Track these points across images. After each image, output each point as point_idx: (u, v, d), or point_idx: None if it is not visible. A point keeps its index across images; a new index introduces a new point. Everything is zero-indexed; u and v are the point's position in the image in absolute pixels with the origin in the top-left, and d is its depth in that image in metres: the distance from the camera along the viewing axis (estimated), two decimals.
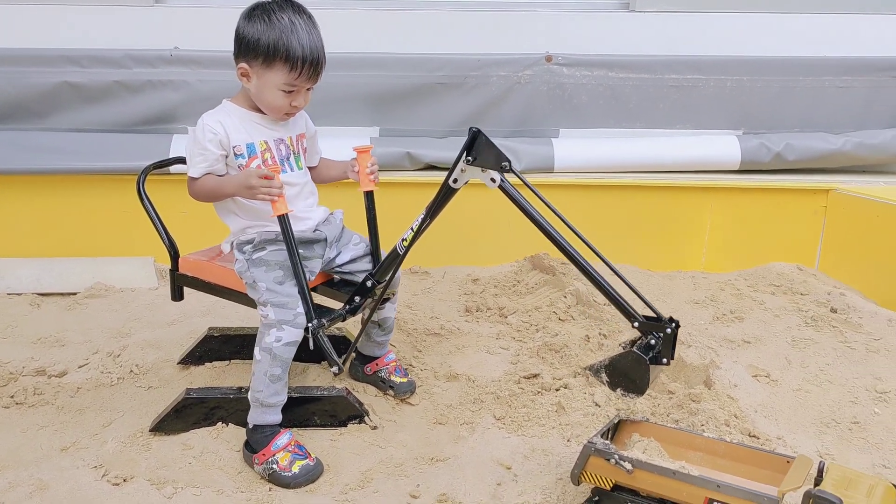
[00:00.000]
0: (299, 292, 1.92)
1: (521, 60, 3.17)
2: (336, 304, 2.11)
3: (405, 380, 2.26)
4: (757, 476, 1.64)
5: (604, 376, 1.98)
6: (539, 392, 2.24)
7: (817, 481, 1.52)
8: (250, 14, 1.92)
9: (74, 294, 2.88)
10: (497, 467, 1.94)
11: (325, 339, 1.92)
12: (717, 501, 1.54)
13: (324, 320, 1.94)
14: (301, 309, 1.91)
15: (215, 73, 2.99)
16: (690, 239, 3.24)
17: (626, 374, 1.90)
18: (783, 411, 2.20)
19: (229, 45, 1.97)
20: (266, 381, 1.90)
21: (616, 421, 1.80)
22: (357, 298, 2.06)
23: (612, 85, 3.23)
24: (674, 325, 1.83)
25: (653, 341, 1.84)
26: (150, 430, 2.05)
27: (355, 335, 2.47)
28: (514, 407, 2.19)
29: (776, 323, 2.73)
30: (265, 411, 1.93)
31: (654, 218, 3.21)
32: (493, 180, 1.87)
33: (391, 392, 2.24)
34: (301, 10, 1.93)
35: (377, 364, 2.28)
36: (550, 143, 3.20)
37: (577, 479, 1.70)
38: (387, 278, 2.04)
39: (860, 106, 3.32)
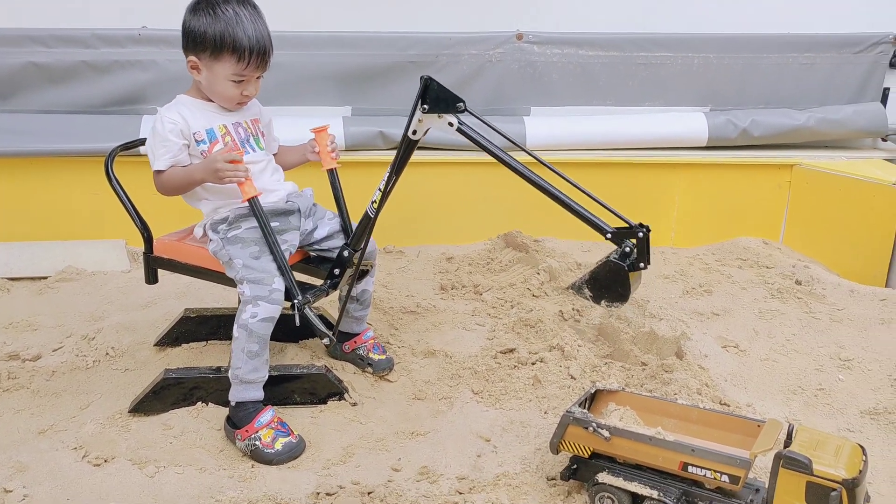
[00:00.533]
0: (279, 269, 1.93)
1: (492, 39, 3.18)
2: (316, 282, 2.13)
3: (383, 357, 2.28)
4: (729, 440, 1.69)
5: (586, 291, 2.01)
6: (515, 366, 2.28)
7: (787, 443, 1.58)
8: (195, 7, 1.95)
9: (45, 278, 2.85)
10: (476, 440, 1.98)
11: (312, 313, 1.94)
12: (692, 465, 1.59)
13: (308, 296, 1.97)
14: (277, 285, 1.92)
15: None
16: (660, 215, 3.30)
17: (608, 283, 1.96)
18: (752, 379, 2.26)
19: None
20: (244, 358, 1.92)
21: (593, 391, 1.84)
22: (337, 271, 2.08)
23: (582, 63, 3.25)
24: (645, 229, 1.88)
25: (627, 248, 1.89)
26: (129, 412, 2.05)
27: (332, 313, 2.50)
28: (491, 381, 2.22)
29: (743, 295, 2.80)
30: (246, 388, 1.94)
31: (624, 194, 3.24)
32: (450, 124, 1.90)
33: (370, 369, 2.26)
34: (245, 1, 1.96)
35: (355, 341, 2.29)
36: (522, 121, 3.22)
37: (556, 447, 1.74)
38: (362, 245, 2.06)
39: (823, 82, 3.39)
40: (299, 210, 2.09)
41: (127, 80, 3.02)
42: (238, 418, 1.93)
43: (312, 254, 2.20)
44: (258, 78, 2.02)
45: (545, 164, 2.06)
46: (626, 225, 1.92)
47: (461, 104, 1.87)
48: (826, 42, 3.34)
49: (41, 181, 2.98)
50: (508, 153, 2.00)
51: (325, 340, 2.01)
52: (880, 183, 3.01)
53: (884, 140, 3.47)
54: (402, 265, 3.04)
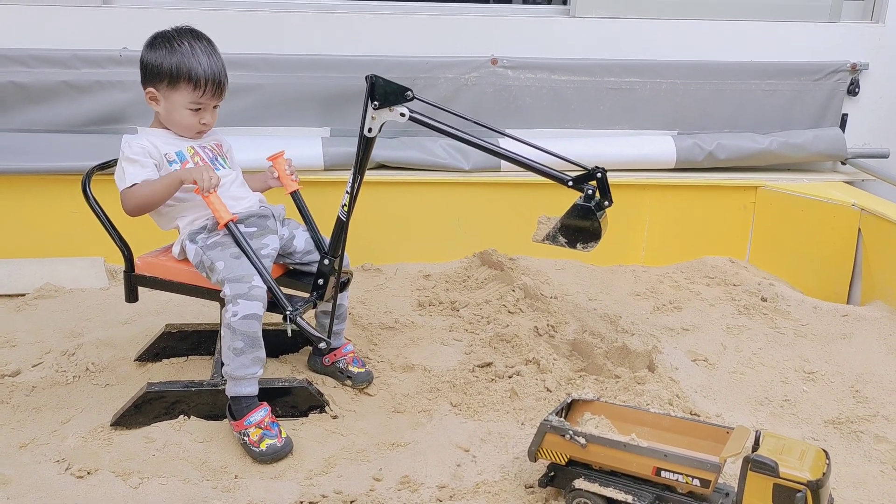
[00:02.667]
0: (261, 276, 1.99)
1: (467, 63, 3.27)
2: (299, 296, 2.17)
3: (363, 370, 2.32)
4: (700, 446, 1.76)
5: (561, 239, 2.03)
6: (493, 380, 2.34)
7: (754, 448, 1.65)
8: (152, 43, 2.09)
9: (23, 295, 2.84)
10: (456, 450, 2.03)
11: (304, 320, 2.00)
12: (665, 470, 1.66)
13: (298, 306, 2.03)
14: (256, 282, 1.98)
15: None
16: (630, 234, 3.39)
17: (579, 226, 1.99)
18: (720, 391, 2.34)
19: None
20: (231, 355, 1.97)
21: (569, 401, 1.91)
22: (321, 282, 2.13)
23: (554, 87, 3.35)
24: (602, 170, 1.95)
25: (590, 191, 1.95)
26: (111, 425, 2.06)
27: (315, 324, 2.54)
28: (469, 394, 2.27)
29: (712, 311, 2.89)
30: (237, 383, 1.99)
31: None
32: (402, 115, 1.95)
33: (349, 382, 2.30)
34: (200, 36, 2.11)
35: (335, 355, 2.33)
36: (497, 143, 3.29)
37: (533, 455, 1.80)
38: (341, 251, 2.12)
39: (784, 108, 3.51)
40: (273, 215, 2.18)
41: (107, 100, 3.04)
42: (235, 411, 2.00)
43: (293, 267, 2.25)
44: (215, 107, 2.13)
45: (505, 133, 2.18)
46: (584, 171, 1.99)
47: (409, 93, 1.93)
48: (787, 70, 3.48)
49: (20, 199, 2.98)
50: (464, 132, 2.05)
51: (322, 344, 2.07)
52: (840, 204, 3.13)
53: (843, 164, 3.60)
54: (380, 282, 3.09)
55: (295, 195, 2.29)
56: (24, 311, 2.75)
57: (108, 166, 2.25)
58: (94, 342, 2.49)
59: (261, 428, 1.95)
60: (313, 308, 2.13)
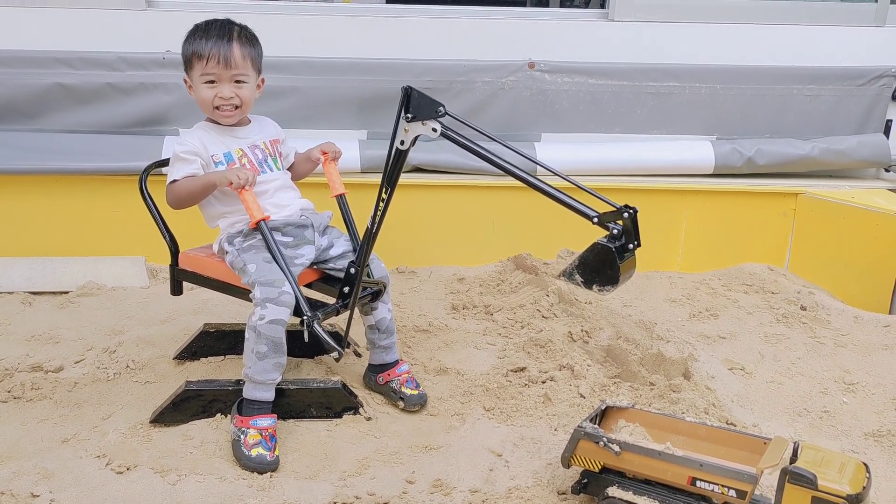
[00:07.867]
0: (288, 281, 2.01)
1: (504, 67, 3.27)
2: (330, 300, 2.19)
3: (416, 392, 2.25)
4: (736, 457, 1.73)
5: (577, 277, 1.95)
6: (526, 384, 2.33)
7: (792, 460, 1.62)
8: (186, 35, 2.12)
9: (66, 293, 2.91)
10: (488, 454, 2.03)
11: (321, 329, 2.00)
12: (701, 480, 1.64)
13: (318, 313, 2.03)
14: (286, 288, 1.99)
15: None
16: (667, 240, 3.36)
17: (597, 267, 1.91)
18: (758, 401, 2.31)
19: None
20: (253, 358, 1.99)
21: (603, 408, 1.89)
22: (346, 289, 2.13)
23: (591, 91, 3.33)
24: (631, 210, 1.86)
25: (615, 231, 1.87)
26: (150, 422, 2.10)
27: (355, 332, 2.56)
28: (502, 398, 2.27)
29: (749, 320, 2.85)
30: (255, 387, 2.01)
31: None
32: (434, 130, 1.91)
33: (401, 404, 2.24)
34: (226, 22, 2.12)
35: (389, 374, 2.29)
36: (533, 146, 3.29)
37: (567, 462, 1.79)
38: (366, 260, 2.09)
39: (826, 113, 3.46)
40: (312, 225, 2.18)
41: (150, 102, 3.11)
42: (244, 408, 2.02)
43: (328, 272, 2.26)
44: (237, 82, 2.10)
45: (539, 163, 2.15)
46: (613, 208, 1.90)
47: (441, 108, 1.89)
48: (830, 74, 3.42)
49: (65, 198, 3.06)
50: (494, 153, 2.00)
51: (334, 354, 2.06)
52: (884, 212, 3.07)
53: (886, 171, 3.54)
54: (415, 285, 3.10)
55: (340, 199, 2.29)
56: (67, 308, 2.81)
57: (164, 164, 2.31)
58: (134, 340, 2.54)
59: (261, 435, 1.96)
60: (336, 314, 2.11)
